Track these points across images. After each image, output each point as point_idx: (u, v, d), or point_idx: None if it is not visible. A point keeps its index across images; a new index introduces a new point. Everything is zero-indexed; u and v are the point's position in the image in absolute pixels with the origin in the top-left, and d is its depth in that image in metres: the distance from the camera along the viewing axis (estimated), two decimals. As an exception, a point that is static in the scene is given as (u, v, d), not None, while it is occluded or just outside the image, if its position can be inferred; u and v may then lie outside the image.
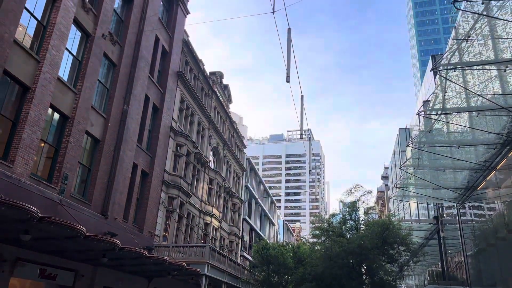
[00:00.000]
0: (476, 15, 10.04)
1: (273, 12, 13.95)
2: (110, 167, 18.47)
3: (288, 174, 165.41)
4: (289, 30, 13.79)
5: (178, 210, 26.04)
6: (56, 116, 15.59)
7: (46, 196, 13.71)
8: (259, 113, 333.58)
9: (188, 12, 29.03)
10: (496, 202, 17.89)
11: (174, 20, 27.04)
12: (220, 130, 36.75)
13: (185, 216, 27.28)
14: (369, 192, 30.07)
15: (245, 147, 48.16)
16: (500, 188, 16.48)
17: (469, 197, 19.71)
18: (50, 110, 14.97)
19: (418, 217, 35.20)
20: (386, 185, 62.16)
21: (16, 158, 12.75)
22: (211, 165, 34.87)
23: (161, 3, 25.38)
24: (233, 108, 49.90)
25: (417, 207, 35.96)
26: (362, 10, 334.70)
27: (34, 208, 9.63)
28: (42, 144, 14.71)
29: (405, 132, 42.30)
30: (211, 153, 35.02)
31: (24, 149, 13.08)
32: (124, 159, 19.48)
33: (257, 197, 52.75)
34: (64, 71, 15.93)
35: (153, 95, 23.59)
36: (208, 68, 35.66)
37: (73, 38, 16.57)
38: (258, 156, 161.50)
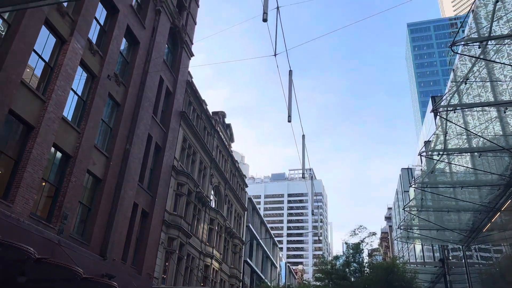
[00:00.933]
0: (474, 58, 10.26)
1: (275, 55, 14.30)
2: (110, 207, 18.32)
3: (290, 214, 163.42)
4: (290, 72, 14.09)
5: (177, 251, 25.54)
6: (59, 155, 15.65)
7: (44, 236, 13.50)
8: (261, 151, 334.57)
9: (192, 55, 29.81)
10: (502, 244, 17.53)
11: (179, 62, 27.72)
12: (221, 169, 36.71)
13: (185, 257, 26.71)
14: (374, 234, 29.61)
15: (246, 186, 47.91)
16: (506, 230, 16.19)
17: (475, 239, 19.32)
18: (52, 149, 15.05)
19: (424, 260, 34.40)
20: (390, 226, 61.17)
21: (16, 197, 12.68)
22: (212, 204, 34.55)
23: (166, 46, 26.12)
24: (235, 147, 50.08)
25: (422, 249, 35.20)
26: (362, 52, 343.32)
27: (32, 249, 9.46)
28: (43, 183, 14.67)
29: (407, 172, 42.17)
30: (212, 192, 34.80)
31: (25, 188, 13.03)
32: (125, 199, 19.35)
33: (258, 238, 51.84)
34: (68, 111, 16.16)
35: (156, 135, 23.77)
36: (211, 107, 36.26)
37: (79, 78, 16.93)
38: (260, 195, 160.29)
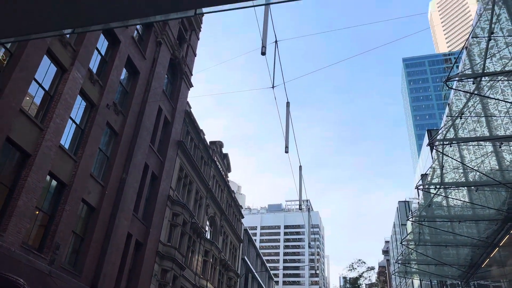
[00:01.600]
0: (468, 94, 10.43)
1: (273, 87, 14.51)
2: (104, 237, 18.02)
3: (286, 246, 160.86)
4: (287, 103, 14.25)
5: (171, 284, 24.93)
6: (54, 183, 15.53)
7: (35, 267, 13.20)
8: (258, 182, 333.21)
9: (191, 85, 30.18)
10: (502, 281, 17.25)
11: (178, 92, 28.03)
12: (217, 199, 36.42)
13: (179, 290, 26.04)
14: (372, 268, 29.19)
15: (242, 217, 47.40)
16: (505, 266, 15.97)
17: (474, 275, 19.01)
18: (48, 177, 14.95)
19: (422, 295, 33.64)
20: (388, 260, 60.22)
21: (8, 226, 12.47)
22: (207, 235, 34.05)
23: (166, 76, 26.49)
24: (231, 177, 49.88)
25: (421, 284, 34.55)
26: (359, 84, 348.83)
27: (21, 280, 9.24)
28: (37, 212, 14.48)
29: (404, 205, 41.95)
30: (207, 223, 34.37)
31: (18, 217, 12.85)
32: (119, 229, 19.07)
33: (254, 271, 50.82)
34: (66, 139, 16.18)
35: (152, 164, 23.71)
36: (210, 137, 36.43)
37: (78, 107, 17.05)
38: (256, 227, 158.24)
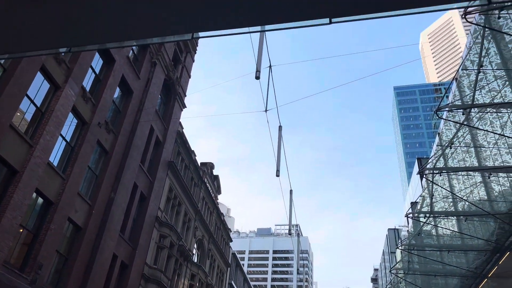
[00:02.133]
0: (458, 124, 10.59)
1: (266, 110, 14.60)
2: (88, 257, 17.61)
3: (274, 272, 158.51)
4: (280, 127, 14.32)
5: (155, 308, 24.27)
6: (40, 200, 15.26)
7: (16, 287, 12.79)
8: (248, 205, 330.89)
9: (184, 106, 30.27)
10: (491, 313, 17.06)
11: (171, 112, 28.06)
12: (206, 222, 36.00)
13: (163, 314, 25.36)
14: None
15: (231, 240, 46.81)
16: (494, 298, 15.86)
17: (463, 306, 18.81)
18: (34, 194, 14.69)
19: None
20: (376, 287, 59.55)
21: (-10, 243, 12.16)
22: (195, 259, 33.47)
23: (160, 96, 26.57)
24: (221, 199, 49.49)
25: (409, 314, 34.07)
26: (351, 111, 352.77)
27: (0, 301, 8.92)
28: (21, 230, 14.15)
29: (394, 233, 41.84)
30: (195, 245, 33.84)
31: (1, 235, 12.53)
32: (105, 249, 18.67)
33: (241, 295, 49.86)
34: (55, 156, 15.99)
35: (141, 184, 23.47)
36: (201, 158, 36.34)
37: (69, 124, 16.95)
38: (244, 251, 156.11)
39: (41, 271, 14.39)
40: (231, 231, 49.11)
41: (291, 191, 17.08)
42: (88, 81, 18.20)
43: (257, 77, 9.85)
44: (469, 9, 7.36)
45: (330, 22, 3.58)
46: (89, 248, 17.75)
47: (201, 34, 3.70)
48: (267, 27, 3.93)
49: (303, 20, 3.45)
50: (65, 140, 16.69)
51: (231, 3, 3.26)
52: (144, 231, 23.43)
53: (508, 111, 9.98)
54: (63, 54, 15.85)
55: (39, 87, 14.93)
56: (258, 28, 4.12)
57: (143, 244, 23.24)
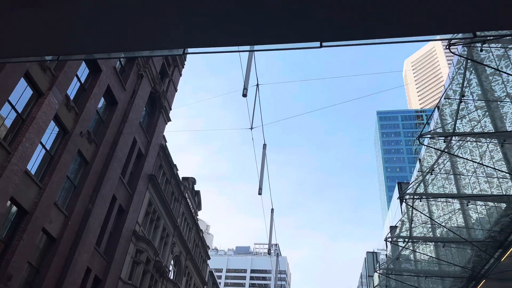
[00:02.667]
0: (439, 151, 10.80)
1: (251, 128, 14.63)
2: (61, 270, 17.06)
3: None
4: (264, 145, 14.36)
5: (127, 325, 23.55)
6: (14, 209, 14.80)
7: (-19, 299, 12.28)
8: (228, 222, 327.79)
9: (169, 119, 30.10)
10: None
11: (155, 125, 27.85)
12: (185, 238, 35.44)
13: (135, 332, 24.61)
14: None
15: (209, 258, 46.12)
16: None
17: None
18: (9, 203, 14.25)
19: None
20: (353, 312, 59.26)
21: (-42, 252, 11.68)
22: (171, 275, 32.78)
23: (145, 108, 26.39)
24: (201, 215, 48.96)
25: None
26: (335, 132, 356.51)
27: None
28: (-8, 239, 13.67)
29: (372, 256, 41.92)
30: (172, 262, 33.20)
31: (-30, 242, 12.07)
32: (78, 262, 18.13)
33: (216, 315, 48.86)
34: (33, 164, 15.62)
35: (121, 196, 23.05)
36: (183, 173, 35.93)
37: (50, 133, 16.63)
38: (222, 269, 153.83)
39: (11, 282, 13.86)
40: (209, 248, 48.43)
41: (272, 209, 17.04)
42: (72, 90, 17.98)
43: (244, 95, 9.91)
44: (453, 40, 7.60)
45: (321, 46, 3.65)
46: (62, 260, 17.21)
47: (192, 50, 3.70)
48: (257, 47, 3.96)
49: (294, 42, 3.50)
50: (45, 149, 16.34)
51: (225, 22, 3.28)
52: (121, 245, 22.90)
53: (487, 141, 10.24)
54: (48, 61, 15.66)
55: (21, 93, 14.67)
56: (247, 47, 4.15)
57: (118, 259, 22.68)
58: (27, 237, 14.71)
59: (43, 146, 16.17)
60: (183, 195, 34.97)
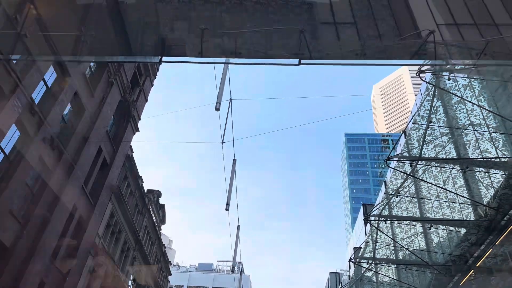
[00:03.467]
0: (405, 175, 11.04)
1: (222, 142, 14.52)
2: (12, 282, 16.06)
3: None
4: (234, 160, 14.26)
5: None
6: (-35, 216, 13.93)
7: None
8: (192, 237, 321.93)
9: (137, 130, 29.50)
10: None
11: (122, 135, 27.19)
12: (146, 253, 34.43)
13: None
14: None
15: (170, 274, 44.96)
16: None
17: None
18: (-41, 209, 13.40)
19: None
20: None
21: None
22: (130, 291, 31.65)
23: (113, 117, 25.76)
24: (164, 230, 47.87)
25: None
26: (303, 152, 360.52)
27: None
28: None
29: (335, 277, 42.12)
30: (131, 277, 32.11)
31: None
32: (31, 275, 17.14)
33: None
34: (-11, 169, 14.82)
35: (81, 207, 22.17)
36: (148, 185, 35.13)
37: (10, 137, 15.88)
38: (183, 286, 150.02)
39: (-46, 295, 12.92)
40: (171, 264, 47.29)
41: (238, 226, 16.86)
42: (38, 94, 17.33)
43: (217, 109, 9.83)
44: (423, 68, 7.85)
45: (299, 63, 3.65)
46: (13, 272, 16.24)
47: (168, 58, 3.62)
48: (232, 60, 3.92)
49: (274, 58, 3.48)
50: (4, 153, 15.56)
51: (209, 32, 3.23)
52: (78, 257, 21.92)
53: (451, 167, 10.56)
54: (14, 61, 15.07)
55: (-18, 93, 13.99)
56: (223, 60, 4.10)
57: (75, 272, 21.67)
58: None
59: (2, 151, 15.40)
60: (147, 208, 34.12)
